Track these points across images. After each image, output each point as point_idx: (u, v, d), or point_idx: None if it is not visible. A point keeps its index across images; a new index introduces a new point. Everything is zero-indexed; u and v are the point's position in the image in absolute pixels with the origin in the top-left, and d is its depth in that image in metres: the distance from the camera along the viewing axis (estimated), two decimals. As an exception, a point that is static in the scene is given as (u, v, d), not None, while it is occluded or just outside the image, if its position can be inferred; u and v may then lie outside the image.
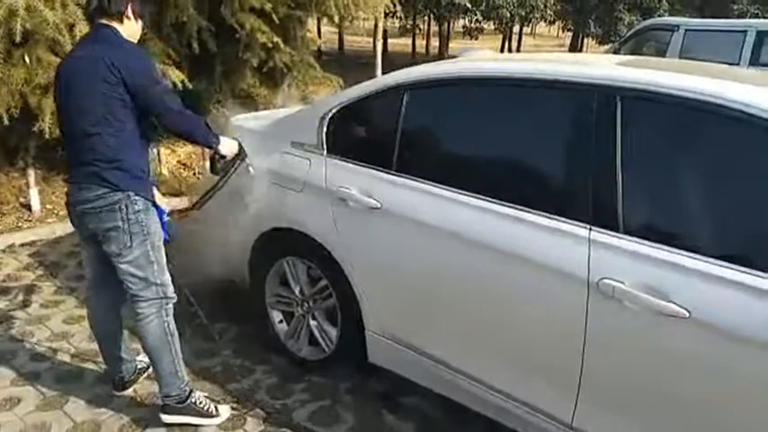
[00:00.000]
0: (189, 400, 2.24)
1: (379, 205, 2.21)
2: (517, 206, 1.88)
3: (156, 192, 2.25)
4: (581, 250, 1.74)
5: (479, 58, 2.32)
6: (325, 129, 2.48)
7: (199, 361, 2.70)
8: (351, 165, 2.38)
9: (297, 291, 2.63)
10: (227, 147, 2.34)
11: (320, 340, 2.59)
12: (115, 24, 2.10)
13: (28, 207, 4.34)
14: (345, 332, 2.48)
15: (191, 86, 4.31)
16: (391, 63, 8.67)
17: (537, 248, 1.81)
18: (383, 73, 8.33)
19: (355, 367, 2.57)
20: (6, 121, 3.50)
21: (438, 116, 2.22)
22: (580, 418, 1.82)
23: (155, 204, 2.20)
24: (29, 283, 3.41)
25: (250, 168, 2.57)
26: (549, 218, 1.81)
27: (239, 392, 2.50)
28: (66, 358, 2.67)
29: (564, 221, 1.79)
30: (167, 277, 2.20)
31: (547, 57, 2.23)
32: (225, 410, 2.33)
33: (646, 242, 1.66)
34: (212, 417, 2.28)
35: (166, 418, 2.24)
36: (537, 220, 1.83)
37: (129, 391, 2.43)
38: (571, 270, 1.74)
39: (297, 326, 2.67)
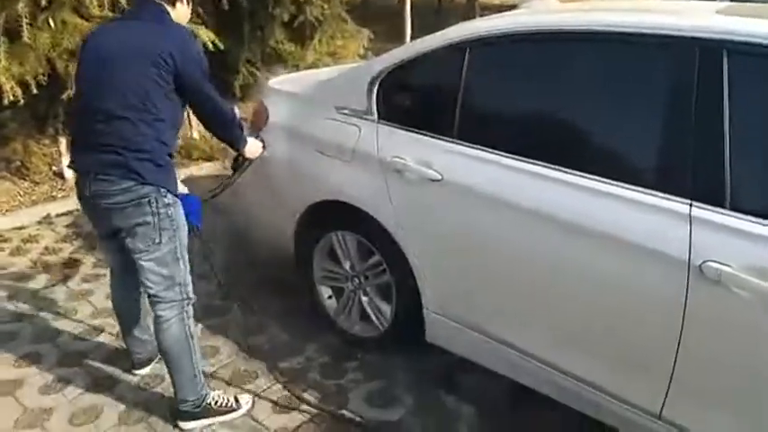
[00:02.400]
0: (204, 403, 2.09)
1: (440, 177, 2.03)
2: (605, 179, 1.67)
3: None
4: (680, 229, 1.54)
5: (550, 9, 2.07)
6: (375, 92, 2.28)
7: (246, 338, 2.60)
8: (406, 132, 2.19)
9: (347, 266, 2.49)
10: (253, 150, 2.34)
11: (373, 318, 2.47)
12: (167, 5, 1.94)
13: (61, 176, 4.25)
14: (401, 310, 2.34)
15: (222, 47, 4.09)
16: (417, 14, 8.26)
17: (628, 227, 1.62)
18: (412, 25, 8.05)
19: (408, 344, 2.45)
20: (35, 90, 3.36)
21: (508, 77, 1.99)
22: (671, 408, 1.67)
23: (184, 197, 2.06)
24: (67, 256, 3.34)
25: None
26: (643, 192, 1.61)
27: (291, 372, 2.41)
28: (112, 337, 2.60)
29: (660, 196, 1.59)
30: (189, 277, 2.04)
31: (633, 5, 1.98)
32: (245, 400, 2.19)
33: (757, 220, 1.46)
34: (232, 411, 2.14)
35: (185, 425, 2.09)
36: (629, 195, 1.63)
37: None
38: (668, 252, 1.55)
39: (347, 302, 2.55)
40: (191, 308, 2.06)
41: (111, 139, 1.85)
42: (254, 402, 2.22)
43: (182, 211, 2.01)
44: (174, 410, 2.11)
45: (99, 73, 1.87)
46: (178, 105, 1.96)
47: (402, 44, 8.13)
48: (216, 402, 2.13)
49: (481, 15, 10.70)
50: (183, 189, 2.13)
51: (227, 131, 2.17)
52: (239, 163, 2.43)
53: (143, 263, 1.96)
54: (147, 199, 1.89)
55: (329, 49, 6.15)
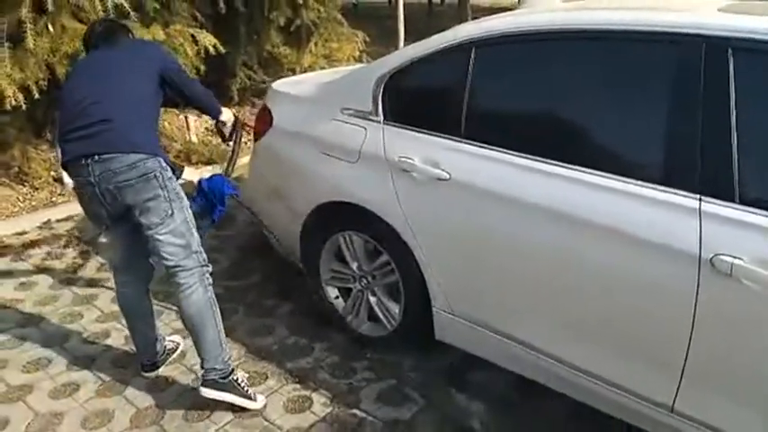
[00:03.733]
0: (231, 377, 2.12)
1: (447, 176, 2.05)
2: (614, 176, 1.70)
3: (188, 169, 2.30)
4: (690, 224, 1.57)
5: (553, 8, 2.10)
6: (381, 93, 2.30)
7: (253, 339, 2.61)
8: (412, 132, 2.20)
9: (354, 266, 2.51)
10: (225, 114, 2.52)
11: (381, 317, 2.48)
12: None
13: (60, 181, 4.22)
14: (409, 309, 2.36)
15: (223, 51, 4.10)
16: (408, 17, 8.26)
17: (638, 223, 1.64)
18: (405, 27, 8.07)
19: (417, 343, 2.47)
20: (37, 95, 3.35)
21: (515, 75, 2.01)
22: (683, 401, 1.69)
23: (208, 180, 2.32)
24: (71, 261, 3.33)
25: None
26: (652, 188, 1.64)
27: (300, 372, 2.41)
28: (120, 340, 2.60)
29: (669, 192, 1.61)
30: (201, 247, 2.13)
31: (637, 4, 2.01)
32: (262, 399, 2.20)
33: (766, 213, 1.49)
34: (252, 400, 2.16)
35: (207, 392, 2.09)
36: (638, 191, 1.66)
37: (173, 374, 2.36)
38: (679, 246, 1.58)
39: (355, 302, 2.56)
40: (209, 276, 2.12)
41: (107, 115, 1.96)
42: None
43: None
44: (201, 378, 2.13)
45: (94, 74, 2.09)
46: (159, 96, 2.18)
47: (396, 46, 8.15)
48: (241, 383, 2.16)
49: (474, 18, 10.77)
50: (203, 175, 2.34)
51: (210, 104, 2.43)
52: (228, 133, 2.59)
53: (160, 236, 2.02)
54: (153, 173, 1.98)
55: (324, 51, 6.16)
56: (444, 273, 2.18)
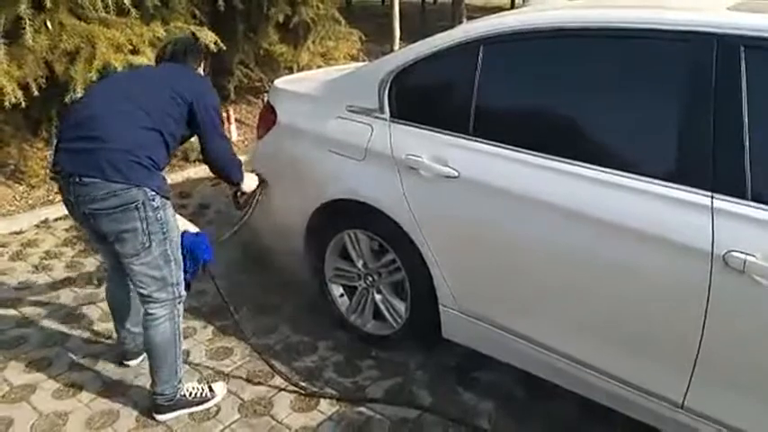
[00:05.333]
0: (178, 395, 2.12)
1: (456, 174, 2.05)
2: (625, 173, 1.70)
3: (182, 219, 2.14)
4: (702, 221, 1.57)
5: (559, 5, 2.10)
6: (387, 91, 2.30)
7: (258, 338, 2.60)
8: (419, 130, 2.20)
9: (360, 264, 2.50)
10: (249, 183, 2.46)
11: (387, 315, 2.48)
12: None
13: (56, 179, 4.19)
14: (416, 307, 2.35)
15: (224, 48, 4.08)
16: (402, 16, 8.25)
17: (650, 220, 1.65)
18: (401, 25, 8.06)
19: (423, 341, 2.46)
20: (36, 92, 3.32)
21: (524, 73, 2.01)
22: (693, 398, 1.70)
23: (194, 236, 2.13)
24: (70, 260, 3.30)
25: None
26: (664, 186, 1.64)
27: (306, 371, 2.40)
28: (123, 340, 2.57)
29: (681, 189, 1.62)
30: (181, 274, 2.04)
31: (645, 2, 2.01)
32: (219, 387, 2.23)
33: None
34: (207, 401, 2.17)
35: (161, 417, 2.11)
36: (650, 189, 1.66)
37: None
38: (691, 243, 1.58)
39: (360, 300, 2.55)
40: (181, 306, 2.08)
41: (104, 134, 1.86)
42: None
43: (172, 212, 2.01)
44: (152, 404, 2.13)
45: (118, 86, 2.04)
46: (180, 130, 2.05)
47: (391, 45, 8.11)
48: (190, 394, 2.15)
49: (468, 17, 10.77)
50: (191, 228, 2.17)
51: (231, 173, 2.31)
52: (241, 200, 2.52)
53: (134, 267, 1.95)
54: (134, 203, 1.85)
55: (321, 50, 6.15)
56: (452, 270, 2.17)
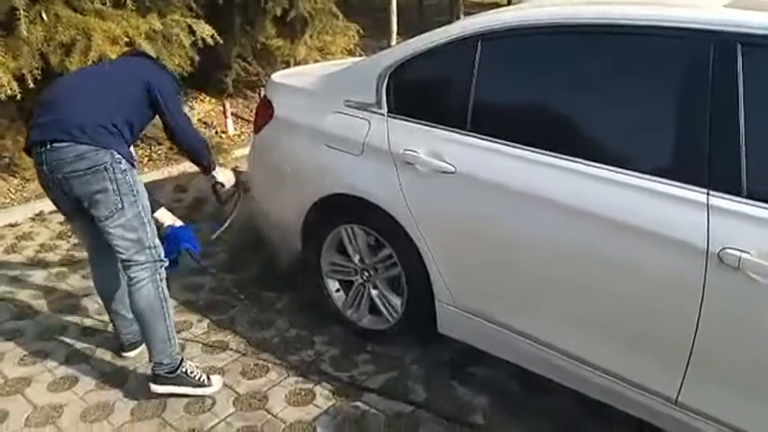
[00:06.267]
0: (180, 370, 2.14)
1: (453, 169, 2.05)
2: (621, 170, 1.71)
3: (164, 210, 2.26)
4: (698, 218, 1.58)
5: (556, 2, 2.10)
6: (385, 86, 2.29)
7: (253, 332, 2.61)
8: (417, 125, 2.20)
9: (356, 259, 2.50)
10: (224, 176, 2.47)
11: (383, 310, 2.48)
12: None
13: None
14: (412, 302, 2.35)
15: (221, 41, 4.06)
16: (399, 11, 8.21)
17: (646, 216, 1.65)
18: (398, 20, 8.03)
19: (418, 336, 2.47)
20: (32, 84, 3.30)
21: (522, 69, 2.01)
22: (687, 394, 1.71)
23: (177, 229, 2.26)
24: (65, 252, 3.29)
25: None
26: (660, 182, 1.65)
27: (302, 365, 2.41)
28: (118, 333, 2.57)
29: (677, 186, 1.62)
30: (158, 240, 2.11)
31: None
32: (217, 381, 2.23)
33: (775, 207, 1.51)
34: (205, 386, 2.18)
35: (157, 388, 2.12)
36: (646, 185, 1.66)
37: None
38: (686, 240, 1.59)
39: (356, 295, 2.56)
40: (163, 271, 2.12)
41: (70, 107, 1.98)
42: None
43: (138, 178, 2.09)
44: (150, 374, 2.15)
45: (82, 75, 2.25)
46: (142, 108, 2.13)
47: (388, 40, 8.07)
48: (191, 373, 2.17)
49: (466, 13, 10.75)
50: (178, 223, 2.27)
51: (198, 151, 2.32)
52: (224, 197, 2.50)
53: (110, 230, 2.02)
54: (102, 165, 1.95)
55: (318, 44, 6.12)
56: (448, 266, 2.18)
